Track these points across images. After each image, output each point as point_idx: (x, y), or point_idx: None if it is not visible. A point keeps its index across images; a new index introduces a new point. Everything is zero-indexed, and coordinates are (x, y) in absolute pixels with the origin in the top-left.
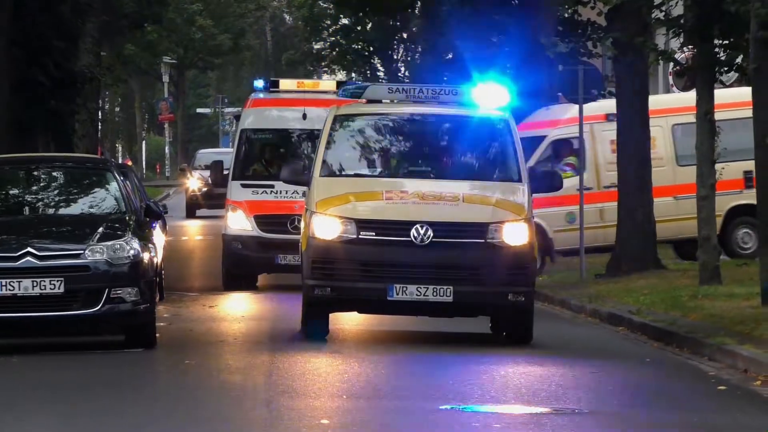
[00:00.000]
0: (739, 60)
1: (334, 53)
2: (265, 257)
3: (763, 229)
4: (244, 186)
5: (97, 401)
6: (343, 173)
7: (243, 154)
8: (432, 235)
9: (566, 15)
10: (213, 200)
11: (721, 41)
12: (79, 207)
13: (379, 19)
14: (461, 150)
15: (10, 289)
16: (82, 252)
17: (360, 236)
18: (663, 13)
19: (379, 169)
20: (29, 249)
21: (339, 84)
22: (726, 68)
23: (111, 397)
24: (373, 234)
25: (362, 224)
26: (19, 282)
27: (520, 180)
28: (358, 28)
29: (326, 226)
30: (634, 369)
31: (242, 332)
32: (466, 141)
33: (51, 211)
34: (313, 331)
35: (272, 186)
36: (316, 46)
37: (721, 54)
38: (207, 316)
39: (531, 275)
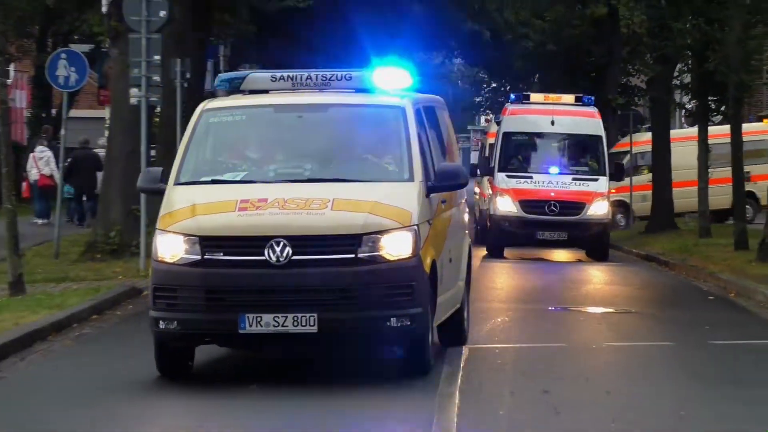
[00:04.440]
0: (723, 108)
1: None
2: (527, 233)
3: (737, 200)
4: (509, 177)
5: None
6: (201, 180)
7: (505, 151)
8: (290, 252)
9: (622, 81)
10: None
11: (713, 97)
12: None
13: None
14: (346, 145)
15: None
16: None
17: (205, 257)
18: (679, 81)
19: (243, 174)
20: None
21: (577, 98)
22: (716, 114)
23: None
24: (221, 254)
25: (207, 242)
26: None
27: (411, 179)
28: None
29: (168, 246)
30: (657, 286)
31: None
32: (353, 134)
33: None
34: (168, 369)
35: (531, 177)
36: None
37: (713, 105)
38: None
39: (419, 293)
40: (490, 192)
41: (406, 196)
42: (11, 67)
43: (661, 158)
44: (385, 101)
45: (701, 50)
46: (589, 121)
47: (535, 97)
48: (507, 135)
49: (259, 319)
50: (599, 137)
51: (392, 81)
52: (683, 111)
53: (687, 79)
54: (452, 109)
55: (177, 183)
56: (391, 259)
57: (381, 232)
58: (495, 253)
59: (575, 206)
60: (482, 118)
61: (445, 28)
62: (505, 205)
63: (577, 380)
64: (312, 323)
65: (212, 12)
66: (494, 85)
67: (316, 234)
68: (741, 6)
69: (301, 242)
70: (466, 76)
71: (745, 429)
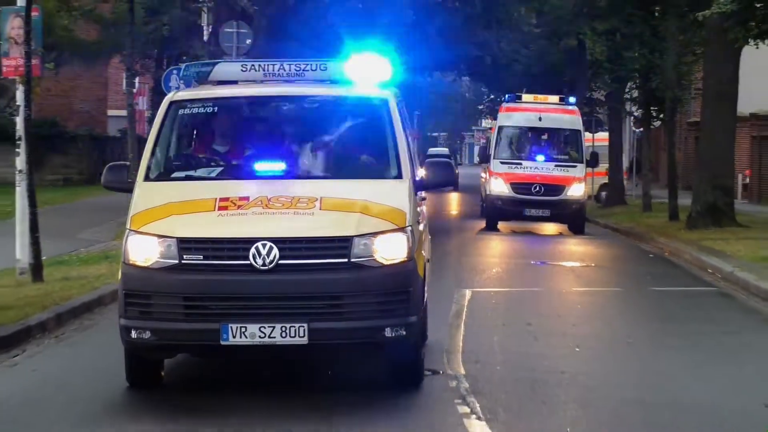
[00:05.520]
0: (661, 116)
1: None
2: (516, 210)
3: (670, 184)
4: (502, 163)
5: None
6: (173, 176)
7: (500, 141)
8: (277, 256)
9: (587, 95)
10: None
11: (654, 108)
12: None
13: None
14: (327, 140)
15: None
16: None
17: (183, 261)
18: (629, 95)
19: (218, 170)
20: None
21: (561, 98)
22: (656, 120)
23: None
24: (201, 258)
25: (185, 245)
26: None
27: (399, 176)
28: None
29: (141, 249)
30: (613, 247)
31: None
32: (334, 128)
33: None
34: (138, 380)
35: (520, 163)
36: None
37: (654, 113)
38: None
39: (415, 300)
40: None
41: (397, 194)
42: (137, 80)
43: (615, 152)
44: (368, 93)
45: (646, 73)
46: (570, 118)
47: (526, 97)
48: (502, 128)
49: (243, 329)
50: (578, 131)
51: (369, 72)
52: (632, 117)
53: (635, 93)
54: (461, 114)
55: (147, 179)
56: (386, 263)
57: (375, 233)
58: (491, 226)
59: (556, 188)
60: (483, 121)
61: (457, 54)
62: (498, 186)
63: (552, 316)
64: (302, 334)
65: (285, 41)
66: (492, 96)
67: (306, 236)
68: (676, 41)
69: (288, 245)
70: (471, 89)
71: (679, 354)
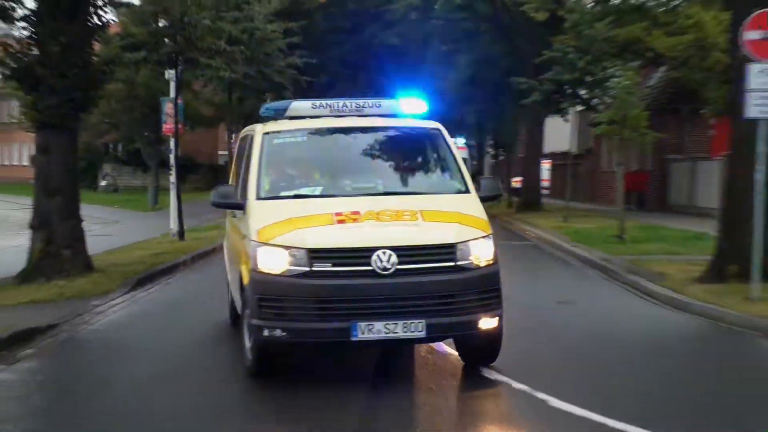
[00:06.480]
0: (504, 153)
1: None
2: None
3: (508, 190)
4: None
5: None
6: (282, 195)
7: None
8: (396, 261)
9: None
10: None
11: (501, 149)
12: None
13: None
14: (403, 162)
15: None
16: None
17: (313, 268)
18: (488, 142)
19: (320, 188)
20: None
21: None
22: (502, 156)
23: None
24: (329, 265)
25: (315, 254)
26: None
27: (467, 191)
28: None
29: (272, 258)
30: (497, 229)
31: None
32: (406, 152)
33: None
34: (266, 371)
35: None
36: None
37: (501, 152)
38: None
39: (501, 296)
40: None
41: (475, 206)
42: (233, 135)
43: (530, 174)
44: (423, 124)
45: (497, 131)
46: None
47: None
48: None
49: (370, 326)
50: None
51: (413, 108)
52: (490, 154)
53: (491, 141)
54: None
55: (258, 198)
56: (482, 265)
57: (470, 240)
58: None
59: None
60: None
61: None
62: None
63: None
64: (420, 329)
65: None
66: None
67: (419, 244)
68: (513, 113)
69: (405, 252)
70: None
71: (510, 277)
